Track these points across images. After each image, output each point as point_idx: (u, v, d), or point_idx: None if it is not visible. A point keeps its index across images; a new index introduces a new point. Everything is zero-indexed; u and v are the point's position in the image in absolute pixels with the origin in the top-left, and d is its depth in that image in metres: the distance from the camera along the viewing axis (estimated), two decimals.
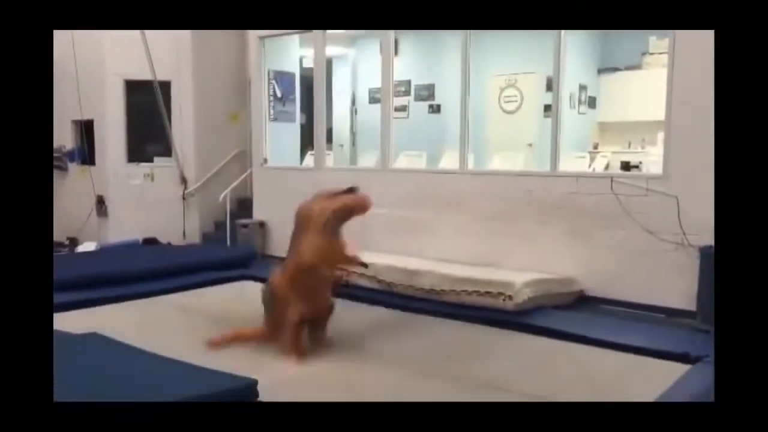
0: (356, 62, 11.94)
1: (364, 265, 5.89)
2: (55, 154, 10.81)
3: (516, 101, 10.00)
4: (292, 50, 10.38)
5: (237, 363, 4.63)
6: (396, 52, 9.01)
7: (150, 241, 10.05)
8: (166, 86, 10.20)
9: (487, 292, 6.24)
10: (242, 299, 7.30)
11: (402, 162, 8.88)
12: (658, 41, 9.09)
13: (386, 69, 8.55)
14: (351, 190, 5.37)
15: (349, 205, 5.28)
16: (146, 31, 9.67)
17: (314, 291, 5.20)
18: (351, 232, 8.66)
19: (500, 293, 6.15)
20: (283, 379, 4.61)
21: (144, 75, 9.89)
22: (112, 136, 10.36)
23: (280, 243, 9.69)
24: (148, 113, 10.25)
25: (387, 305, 6.76)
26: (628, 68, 9.93)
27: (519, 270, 6.79)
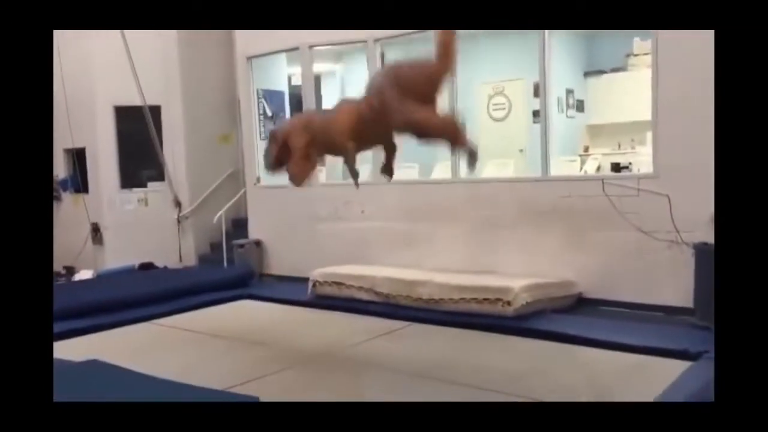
0: (345, 77, 12.00)
1: None
2: None
3: (504, 108, 10.05)
4: (280, 68, 10.42)
5: (235, 380, 4.71)
6: (383, 65, 9.06)
7: (146, 266, 10.03)
8: (156, 110, 10.25)
9: (486, 299, 6.27)
10: (242, 318, 7.30)
11: (395, 174, 8.88)
12: (641, 42, 9.16)
13: None
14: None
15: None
16: (134, 56, 9.73)
17: None
18: (347, 245, 8.66)
19: (499, 299, 6.18)
20: (283, 389, 4.68)
21: (133, 101, 9.95)
22: (105, 163, 10.39)
23: (277, 261, 9.71)
24: (139, 138, 10.29)
25: (386, 316, 6.77)
26: (614, 70, 9.99)
27: (516, 275, 6.80)
